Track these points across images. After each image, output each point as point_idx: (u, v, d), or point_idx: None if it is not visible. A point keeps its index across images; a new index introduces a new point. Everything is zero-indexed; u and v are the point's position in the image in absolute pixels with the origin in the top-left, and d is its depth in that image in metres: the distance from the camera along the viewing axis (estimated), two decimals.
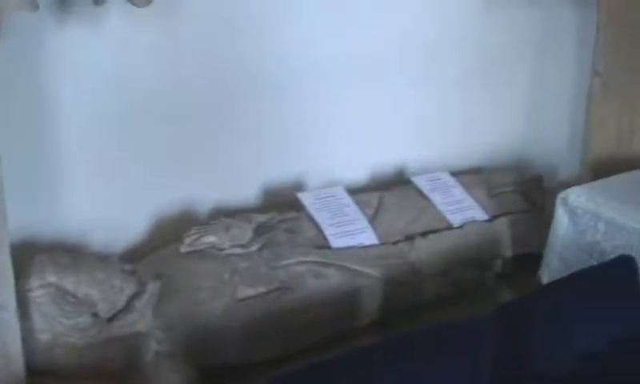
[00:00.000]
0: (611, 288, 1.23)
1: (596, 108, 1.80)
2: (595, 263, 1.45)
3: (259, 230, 1.42)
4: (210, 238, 1.36)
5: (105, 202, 1.42)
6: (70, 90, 1.33)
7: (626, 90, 1.79)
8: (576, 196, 1.53)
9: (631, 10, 1.74)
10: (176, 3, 1.37)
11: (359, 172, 1.70)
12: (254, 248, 1.38)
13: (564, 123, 1.91)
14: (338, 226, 1.49)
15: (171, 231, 1.44)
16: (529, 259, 1.61)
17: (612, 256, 1.40)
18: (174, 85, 1.45)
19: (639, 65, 1.77)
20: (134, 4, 1.17)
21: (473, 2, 1.76)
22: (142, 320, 1.25)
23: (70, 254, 1.31)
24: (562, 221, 1.53)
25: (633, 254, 1.39)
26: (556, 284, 1.30)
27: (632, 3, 1.73)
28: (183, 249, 1.35)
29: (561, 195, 1.54)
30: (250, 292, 1.33)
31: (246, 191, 1.57)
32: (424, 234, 1.54)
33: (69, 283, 1.23)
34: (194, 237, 1.36)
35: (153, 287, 1.29)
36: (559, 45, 1.86)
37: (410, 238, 1.53)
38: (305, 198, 1.54)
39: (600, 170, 1.76)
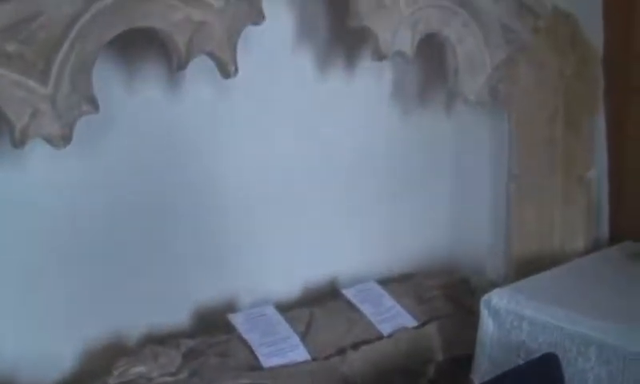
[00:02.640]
0: None
1: (515, 209, 1.88)
2: (522, 362, 1.49)
3: (189, 356, 1.42)
4: (139, 368, 1.35)
5: (31, 334, 1.41)
6: None
7: (541, 191, 1.88)
8: (498, 298, 1.58)
9: (538, 116, 1.85)
10: (96, 137, 1.41)
11: (291, 287, 1.73)
12: (184, 375, 1.38)
13: (487, 224, 1.97)
14: (270, 346, 1.50)
15: (101, 362, 1.43)
16: (461, 362, 1.64)
17: (537, 354, 1.45)
18: (98, 213, 1.47)
19: (551, 166, 1.88)
20: (52, 145, 1.19)
21: (390, 115, 1.85)
22: None
23: None
24: (487, 323, 1.58)
25: (556, 351, 1.44)
26: None
27: (538, 111, 1.85)
28: (112, 381, 1.34)
29: (484, 298, 1.59)
30: None
31: (176, 315, 1.57)
32: (355, 346, 1.56)
33: None
34: (123, 368, 1.35)
35: None
36: (475, 152, 1.95)
37: (341, 351, 1.54)
38: (235, 318, 1.56)
39: (524, 267, 1.83)
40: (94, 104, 1.22)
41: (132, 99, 1.47)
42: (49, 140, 1.18)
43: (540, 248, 1.89)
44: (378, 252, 1.85)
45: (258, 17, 1.36)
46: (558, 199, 1.91)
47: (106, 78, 1.37)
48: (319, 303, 1.68)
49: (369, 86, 1.79)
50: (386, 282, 1.78)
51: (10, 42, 1.10)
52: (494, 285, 1.68)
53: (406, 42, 1.54)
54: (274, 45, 1.59)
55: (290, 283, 1.73)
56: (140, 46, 1.42)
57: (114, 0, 1.19)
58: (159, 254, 1.55)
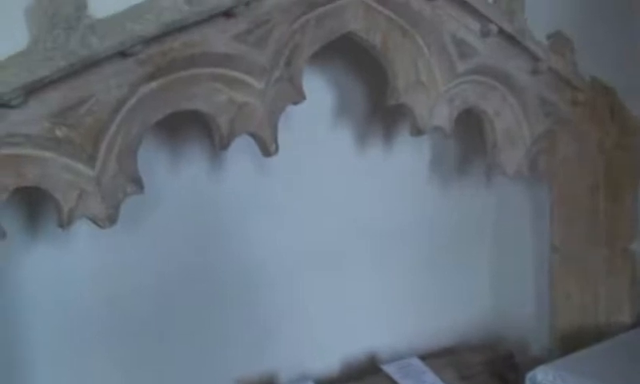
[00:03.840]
0: None
1: (558, 282, 1.85)
2: None
3: None
4: None
5: None
6: (40, 308, 1.37)
7: (584, 263, 1.85)
8: (544, 375, 1.54)
9: (580, 188, 1.84)
10: (140, 214, 1.44)
11: (330, 363, 1.72)
12: None
13: (529, 296, 1.94)
14: None
15: None
16: None
17: None
18: (142, 289, 1.50)
19: (593, 238, 1.85)
20: (98, 225, 1.22)
21: (429, 187, 1.86)
22: None
23: None
24: None
25: None
26: None
27: (580, 182, 1.83)
28: None
29: (529, 375, 1.56)
30: None
31: None
32: None
33: None
34: None
35: None
36: (516, 223, 1.94)
37: None
38: None
39: (569, 341, 1.79)
40: (139, 185, 1.24)
41: (176, 177, 1.51)
42: (95, 220, 1.21)
43: (584, 321, 1.85)
44: (417, 325, 1.83)
45: (298, 96, 1.39)
46: (602, 271, 1.87)
47: (150, 157, 1.40)
48: (359, 379, 1.67)
49: (408, 159, 1.80)
50: (426, 357, 1.76)
51: (60, 127, 1.14)
52: (538, 360, 1.65)
53: (443, 117, 1.55)
54: (314, 121, 1.62)
55: (329, 359, 1.72)
56: (183, 125, 1.46)
57: (160, 84, 1.22)
58: (201, 330, 1.57)
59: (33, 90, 1.09)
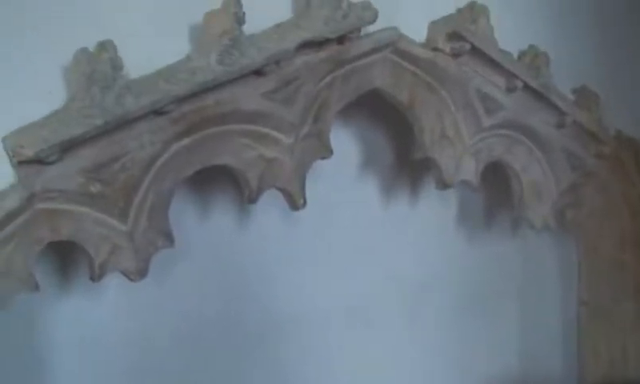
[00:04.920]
0: None
1: (586, 336, 1.84)
2: None
3: None
4: None
5: None
6: (71, 359, 1.38)
7: (612, 317, 1.84)
8: None
9: (606, 240, 1.83)
10: (168, 265, 1.46)
11: None
12: None
13: (558, 350, 1.93)
14: None
15: None
16: None
17: None
18: (170, 339, 1.51)
19: (621, 291, 1.84)
20: (129, 278, 1.24)
21: (455, 239, 1.86)
22: None
23: None
24: None
25: None
26: None
27: (606, 235, 1.83)
28: None
29: None
30: None
31: None
32: None
33: None
34: None
35: None
36: (544, 275, 1.93)
37: None
38: None
39: None
40: (170, 239, 1.27)
41: (204, 229, 1.52)
42: (126, 274, 1.23)
43: (613, 376, 1.83)
44: (445, 378, 1.82)
45: (326, 152, 1.41)
46: (630, 325, 1.86)
47: (179, 209, 1.42)
48: None
49: (433, 211, 1.80)
50: None
51: (94, 182, 1.17)
52: None
53: (470, 171, 1.57)
54: (340, 173, 1.64)
55: None
56: (210, 177, 1.48)
57: (191, 141, 1.25)
58: (228, 381, 1.57)
59: (69, 147, 1.13)
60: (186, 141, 1.24)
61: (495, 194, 1.84)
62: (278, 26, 1.30)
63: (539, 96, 1.59)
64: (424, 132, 1.49)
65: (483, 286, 1.89)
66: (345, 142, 1.60)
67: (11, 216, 1.11)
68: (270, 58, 1.26)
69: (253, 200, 1.35)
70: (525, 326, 1.94)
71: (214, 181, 1.52)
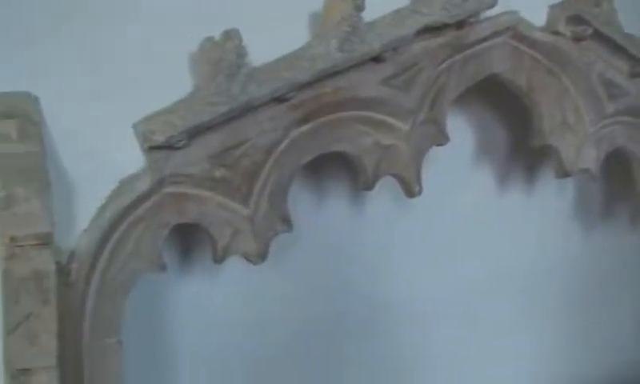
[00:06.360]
0: None
1: None
2: None
3: None
4: None
5: None
6: (192, 338, 1.43)
7: None
8: None
9: None
10: (280, 251, 1.48)
11: None
12: None
13: None
14: None
15: None
16: None
17: None
18: (282, 324, 1.54)
19: None
20: (249, 261, 1.27)
21: (571, 230, 1.81)
22: None
23: None
24: None
25: None
26: None
27: None
28: None
29: None
30: None
31: None
32: None
33: None
34: None
35: None
36: None
37: None
38: None
39: None
40: (288, 223, 1.29)
41: (318, 215, 1.54)
42: (247, 257, 1.26)
43: None
44: (557, 374, 1.78)
45: (442, 138, 1.40)
46: None
47: (296, 196, 1.45)
48: None
49: (549, 201, 1.76)
50: None
51: (218, 167, 1.20)
52: None
53: (590, 159, 1.52)
54: (455, 161, 1.62)
55: None
56: (324, 163, 1.50)
57: (310, 127, 1.27)
58: (336, 364, 1.59)
59: (195, 133, 1.17)
60: (304, 127, 1.26)
61: (614, 183, 1.78)
62: (396, 11, 1.30)
63: None
64: (543, 118, 1.45)
65: (598, 279, 1.82)
66: (460, 128, 1.58)
67: (142, 199, 1.16)
68: (388, 44, 1.27)
69: (369, 187, 1.36)
70: None
71: (327, 167, 1.53)
